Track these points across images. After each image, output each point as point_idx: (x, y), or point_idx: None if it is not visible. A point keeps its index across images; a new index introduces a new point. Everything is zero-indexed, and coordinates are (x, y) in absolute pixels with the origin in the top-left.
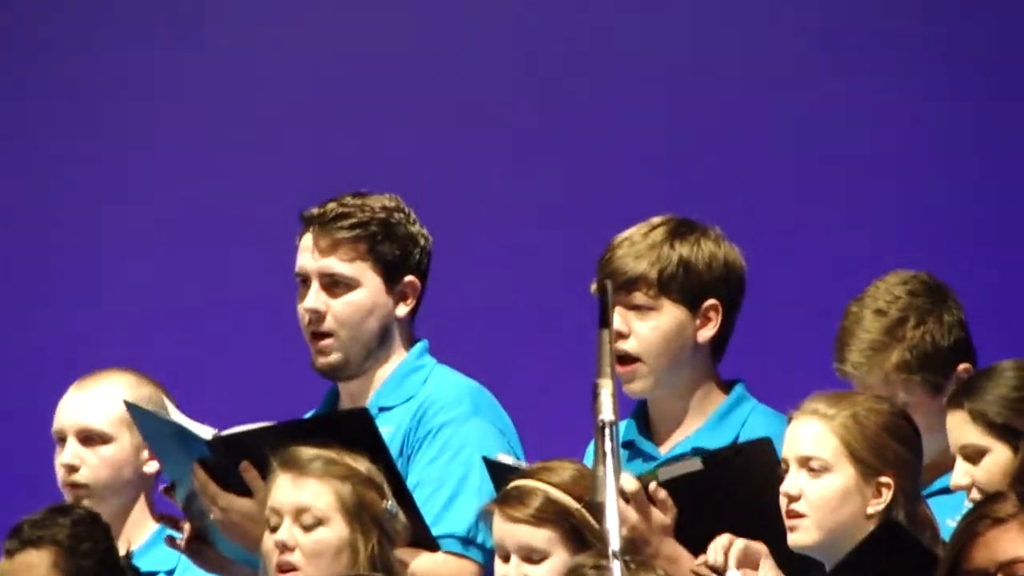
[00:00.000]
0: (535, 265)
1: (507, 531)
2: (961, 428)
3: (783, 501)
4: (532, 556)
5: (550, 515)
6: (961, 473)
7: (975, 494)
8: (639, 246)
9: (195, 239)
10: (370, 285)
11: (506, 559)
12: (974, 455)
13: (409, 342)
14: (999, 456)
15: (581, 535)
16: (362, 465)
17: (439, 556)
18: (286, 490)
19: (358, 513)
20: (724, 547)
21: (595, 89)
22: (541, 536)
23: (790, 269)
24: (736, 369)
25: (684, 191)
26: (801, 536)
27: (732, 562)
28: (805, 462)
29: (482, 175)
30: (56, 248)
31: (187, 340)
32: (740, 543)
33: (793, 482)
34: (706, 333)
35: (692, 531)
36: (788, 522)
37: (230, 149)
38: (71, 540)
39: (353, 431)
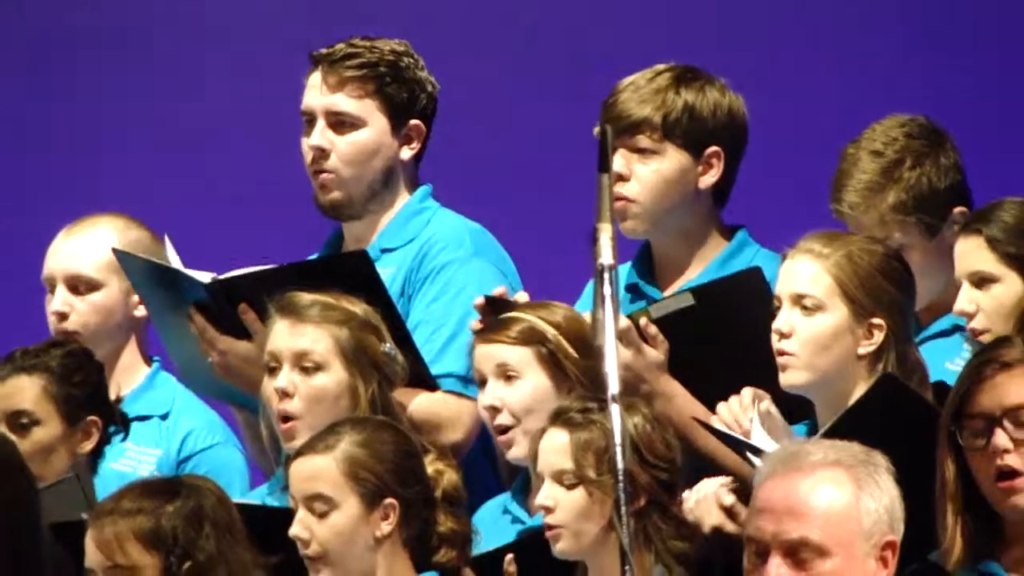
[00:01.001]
0: (539, 110)
1: (484, 353)
2: (975, 254)
3: (774, 338)
4: (507, 373)
5: (526, 336)
6: (968, 300)
7: (976, 322)
8: (644, 91)
9: (198, 77)
10: (376, 125)
11: (483, 385)
12: (983, 282)
13: (413, 185)
14: (1010, 286)
15: (558, 361)
16: (359, 308)
17: (438, 395)
18: (284, 336)
19: (357, 357)
20: (746, 405)
21: None
22: (516, 354)
23: (791, 115)
24: (740, 216)
25: (686, 37)
26: (792, 376)
27: (755, 420)
28: (798, 300)
29: (487, 23)
30: (56, 89)
31: (189, 181)
32: (762, 404)
33: (785, 319)
34: (708, 179)
35: (687, 368)
36: (779, 360)
37: None
38: (63, 369)
39: (352, 273)
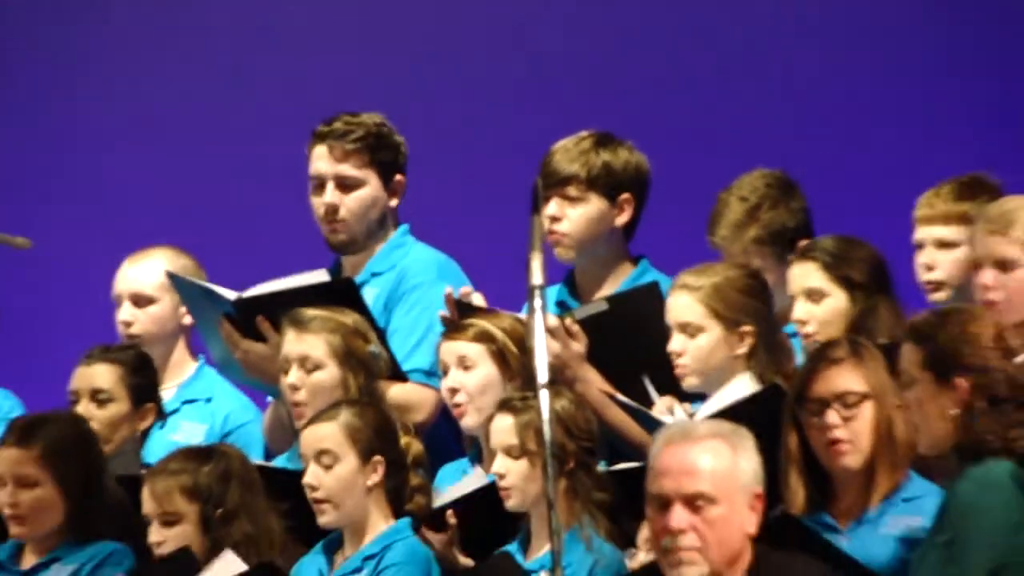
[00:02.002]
0: (491, 164)
1: (447, 348)
2: (810, 275)
3: (672, 357)
4: (465, 364)
5: (480, 336)
6: (804, 311)
7: (808, 328)
8: (572, 152)
9: (219, 139)
10: (372, 184)
11: (446, 373)
12: (816, 297)
13: (395, 224)
14: (836, 300)
15: (504, 356)
16: (350, 319)
17: (408, 385)
18: (292, 343)
19: (347, 357)
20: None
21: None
22: (472, 349)
23: (683, 168)
24: (643, 247)
25: (586, 116)
26: (688, 382)
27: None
28: (682, 327)
29: (449, 100)
30: (108, 134)
31: (223, 220)
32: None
33: (676, 343)
34: (621, 219)
35: (604, 361)
36: (676, 372)
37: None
38: (134, 363)
39: (344, 293)
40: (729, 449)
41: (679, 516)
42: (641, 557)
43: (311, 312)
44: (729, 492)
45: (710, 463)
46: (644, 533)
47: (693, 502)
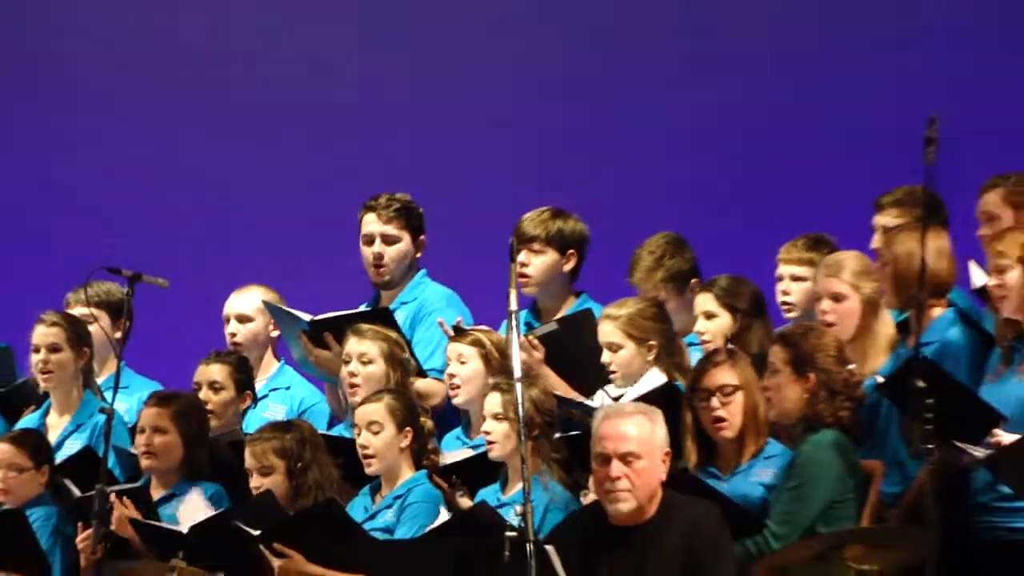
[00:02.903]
0: (480, 230)
1: (451, 348)
2: (707, 302)
3: (606, 366)
4: (461, 360)
5: (474, 342)
6: (703, 327)
7: (706, 338)
8: (535, 220)
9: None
10: (406, 241)
11: (448, 365)
12: (711, 317)
13: (417, 269)
14: (723, 320)
15: (489, 357)
16: (393, 334)
17: (427, 380)
18: (354, 344)
19: (390, 358)
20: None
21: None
22: (467, 350)
23: (613, 235)
24: (586, 285)
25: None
26: (617, 383)
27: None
28: (608, 346)
29: (447, 182)
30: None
31: (296, 264)
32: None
33: (605, 357)
34: (568, 267)
35: (557, 362)
36: (609, 376)
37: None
38: (239, 364)
39: (384, 317)
40: (648, 421)
41: (616, 468)
42: (591, 497)
43: (367, 326)
44: (649, 451)
45: (636, 431)
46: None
47: (625, 458)
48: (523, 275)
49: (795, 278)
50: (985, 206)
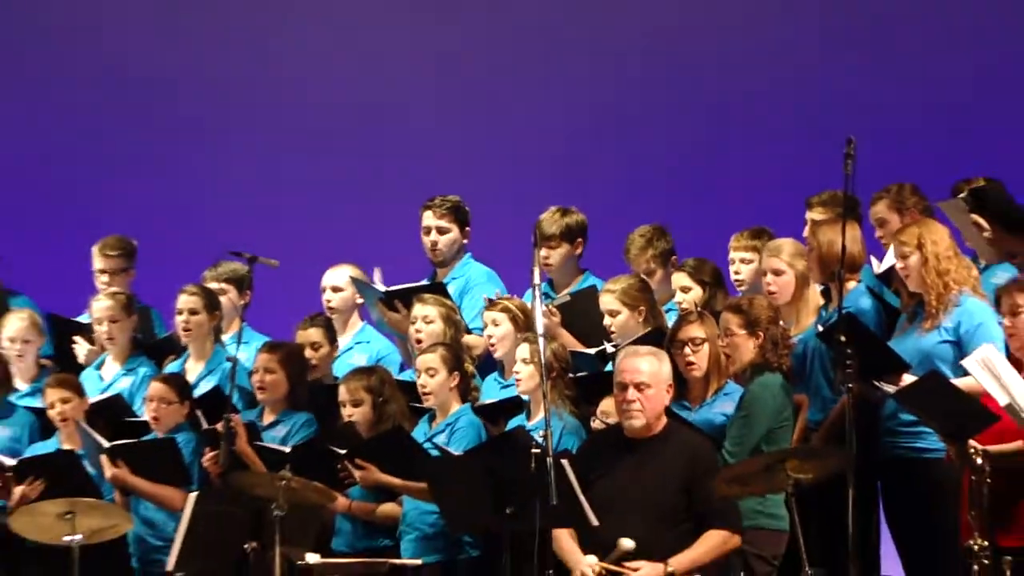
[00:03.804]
0: (510, 223)
1: (487, 315)
2: (683, 278)
3: (608, 329)
4: (495, 322)
5: (504, 310)
6: (680, 297)
7: (684, 305)
8: (550, 220)
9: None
10: (455, 231)
11: (485, 328)
12: (686, 289)
13: (464, 253)
14: (695, 291)
15: (517, 320)
16: (447, 301)
17: (472, 336)
18: (419, 308)
19: (446, 319)
20: None
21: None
22: (501, 316)
23: (610, 228)
24: (590, 263)
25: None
26: (617, 341)
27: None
28: (608, 313)
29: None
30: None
31: (375, 247)
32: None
33: (607, 321)
34: (576, 252)
35: (570, 326)
36: (610, 335)
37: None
38: (329, 324)
39: (441, 289)
40: (658, 360)
41: (631, 393)
42: (598, 423)
43: (429, 295)
44: (657, 382)
45: (648, 366)
46: (602, 406)
47: (639, 386)
48: (547, 264)
49: (744, 261)
50: (876, 214)
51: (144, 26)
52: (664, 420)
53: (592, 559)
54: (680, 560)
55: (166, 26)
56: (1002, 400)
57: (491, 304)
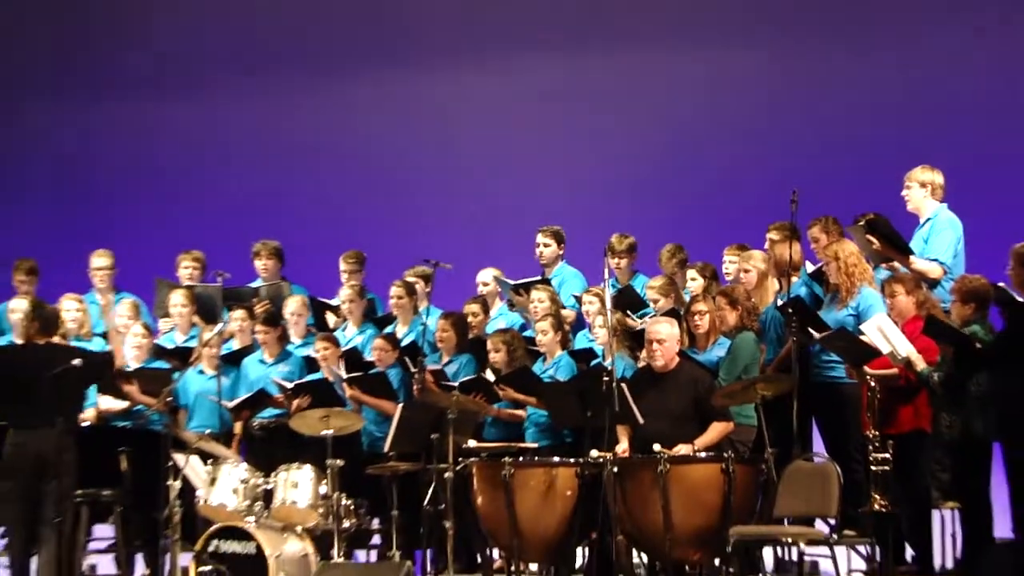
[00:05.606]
0: (588, 239)
1: (586, 296)
2: (694, 274)
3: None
4: (590, 301)
5: (597, 294)
6: (691, 286)
7: (695, 290)
8: (618, 241)
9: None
10: (555, 246)
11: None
12: (694, 280)
13: (561, 259)
14: (699, 282)
15: (602, 301)
16: (552, 290)
17: (567, 310)
18: (534, 294)
19: (552, 300)
20: None
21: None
22: (593, 298)
23: (651, 241)
24: (638, 266)
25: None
26: (658, 315)
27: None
28: (653, 301)
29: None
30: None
31: (508, 255)
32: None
33: (651, 307)
34: (632, 260)
35: (625, 307)
36: (656, 315)
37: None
38: (482, 302)
39: (547, 283)
40: (671, 325)
41: (656, 345)
42: (643, 361)
43: (541, 286)
44: (671, 338)
45: (664, 329)
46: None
47: (661, 341)
48: (618, 268)
49: (731, 263)
50: (812, 235)
51: None
52: (677, 360)
53: (624, 445)
54: (699, 442)
55: None
56: (885, 348)
57: (587, 291)
